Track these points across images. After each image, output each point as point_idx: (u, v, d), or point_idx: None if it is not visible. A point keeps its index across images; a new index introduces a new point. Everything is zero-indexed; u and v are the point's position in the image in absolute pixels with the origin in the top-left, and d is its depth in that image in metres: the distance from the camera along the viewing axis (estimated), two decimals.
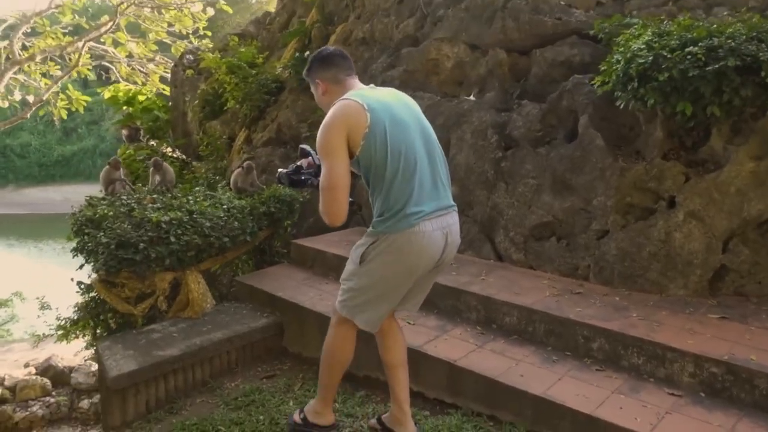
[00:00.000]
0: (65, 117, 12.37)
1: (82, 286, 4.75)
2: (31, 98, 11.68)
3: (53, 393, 7.48)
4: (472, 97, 5.23)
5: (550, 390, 3.04)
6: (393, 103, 2.65)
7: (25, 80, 12.09)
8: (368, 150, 2.52)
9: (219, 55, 8.23)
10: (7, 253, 23.60)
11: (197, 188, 5.46)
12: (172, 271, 4.39)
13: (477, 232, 4.85)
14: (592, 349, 3.37)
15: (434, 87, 5.72)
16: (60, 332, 6.24)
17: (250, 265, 5.52)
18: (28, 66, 11.82)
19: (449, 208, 2.70)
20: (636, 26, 3.98)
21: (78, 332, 6.17)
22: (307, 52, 7.21)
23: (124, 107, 10.40)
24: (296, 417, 3.10)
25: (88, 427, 7.15)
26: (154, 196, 4.88)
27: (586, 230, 4.18)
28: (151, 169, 5.79)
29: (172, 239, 4.24)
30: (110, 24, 11.44)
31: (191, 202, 4.73)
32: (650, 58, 3.52)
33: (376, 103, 2.56)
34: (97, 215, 4.43)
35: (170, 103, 10.49)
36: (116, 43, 12.83)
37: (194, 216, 4.47)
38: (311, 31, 7.75)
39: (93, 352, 6.79)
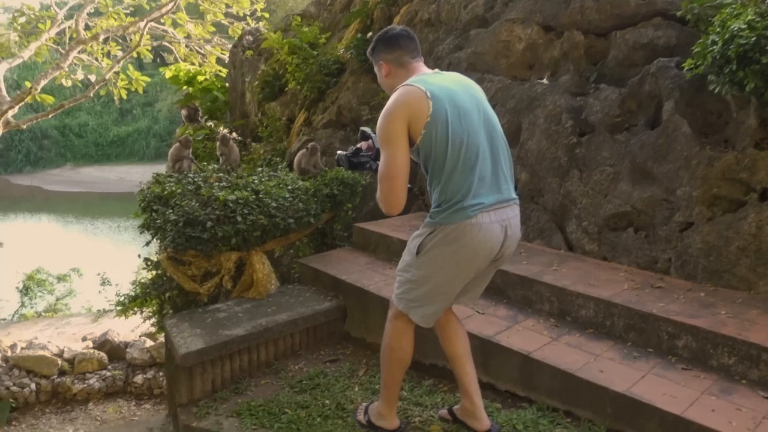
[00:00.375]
0: (125, 97, 12.59)
1: (149, 263, 4.77)
2: (93, 78, 11.90)
3: (109, 367, 7.66)
4: (545, 81, 5.02)
5: (633, 387, 2.88)
6: (457, 90, 2.55)
7: (87, 59, 12.32)
8: (429, 139, 2.44)
9: (281, 36, 8.16)
10: (65, 231, 24.40)
11: (260, 168, 5.42)
12: (237, 251, 4.35)
13: (547, 220, 4.67)
14: (677, 347, 3.19)
15: (503, 70, 5.53)
16: (119, 308, 6.35)
17: (311, 248, 5.47)
18: (91, 46, 12.05)
19: (510, 201, 2.60)
20: (734, 5, 3.72)
21: (136, 308, 6.27)
22: (369, 33, 7.08)
23: (185, 87, 10.49)
24: (360, 416, 3.02)
25: (141, 401, 7.31)
26: (220, 174, 4.85)
27: (667, 222, 3.96)
28: (218, 143, 5.76)
29: (239, 218, 4.19)
30: (171, 5, 11.53)
31: (256, 181, 4.68)
32: (752, 38, 3.27)
33: (439, 90, 2.47)
34: (166, 192, 4.42)
35: (228, 84, 10.53)
36: (175, 24, 12.97)
37: (260, 196, 4.42)
38: (374, 11, 7.60)
39: (149, 328, 6.92)
